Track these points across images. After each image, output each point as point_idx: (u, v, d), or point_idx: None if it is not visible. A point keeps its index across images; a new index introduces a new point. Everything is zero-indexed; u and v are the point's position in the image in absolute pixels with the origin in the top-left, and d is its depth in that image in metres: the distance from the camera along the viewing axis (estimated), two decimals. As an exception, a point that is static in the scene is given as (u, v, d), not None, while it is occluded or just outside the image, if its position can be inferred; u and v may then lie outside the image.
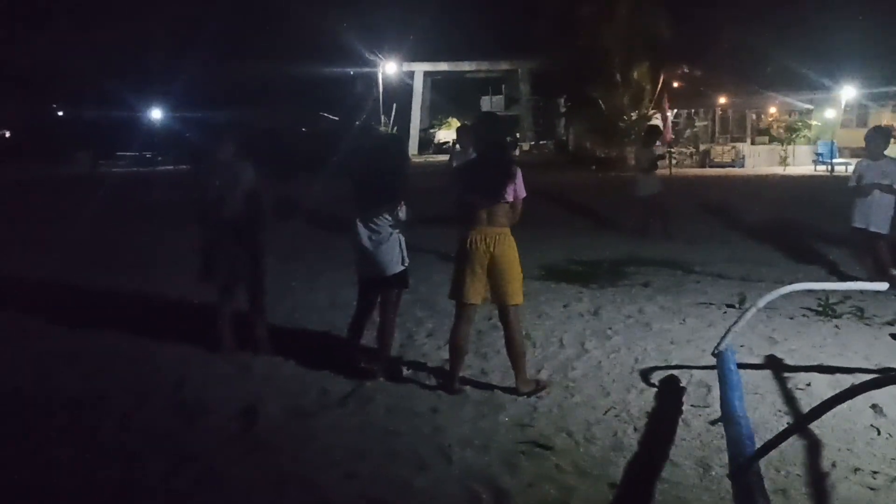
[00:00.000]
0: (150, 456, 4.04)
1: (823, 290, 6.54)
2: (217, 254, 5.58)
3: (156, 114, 38.01)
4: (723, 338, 4.71)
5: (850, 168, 25.14)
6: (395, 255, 5.08)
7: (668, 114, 26.77)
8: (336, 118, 36.47)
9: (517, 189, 4.74)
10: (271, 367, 5.43)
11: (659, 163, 12.02)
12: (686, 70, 31.17)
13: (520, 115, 42.47)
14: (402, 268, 5.14)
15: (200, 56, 32.87)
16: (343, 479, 3.76)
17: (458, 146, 9.39)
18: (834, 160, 26.56)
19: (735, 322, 4.75)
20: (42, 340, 6.18)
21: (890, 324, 6.14)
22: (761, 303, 4.58)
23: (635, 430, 4.29)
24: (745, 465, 2.82)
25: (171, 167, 30.09)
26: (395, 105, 39.22)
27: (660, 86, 29.67)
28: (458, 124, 47.96)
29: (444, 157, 36.05)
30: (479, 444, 4.16)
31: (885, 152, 7.63)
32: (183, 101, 33.82)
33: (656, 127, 15.96)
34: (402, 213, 5.11)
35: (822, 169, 26.92)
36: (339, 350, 5.58)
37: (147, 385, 5.10)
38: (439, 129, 51.11)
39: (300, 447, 4.15)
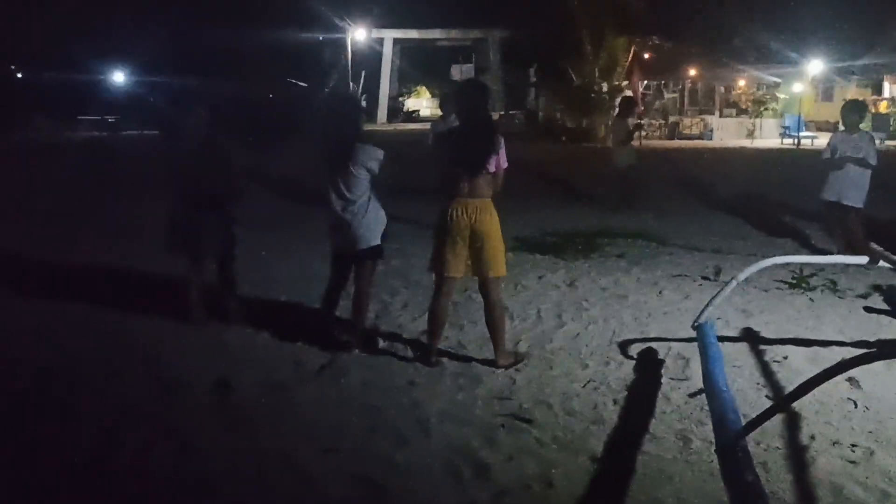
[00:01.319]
0: (124, 431, 3.93)
1: (798, 263, 6.56)
2: (186, 224, 5.43)
3: (119, 77, 37.10)
4: (702, 311, 4.69)
5: (816, 141, 25.56)
6: (371, 227, 4.97)
7: (639, 86, 26.77)
8: (304, 85, 35.93)
9: (500, 159, 4.64)
10: (244, 340, 5.33)
11: (635, 134, 11.98)
12: (656, 42, 31.05)
13: (489, 85, 42.19)
14: (378, 242, 5.04)
15: (166, 19, 32.10)
16: (323, 454, 3.69)
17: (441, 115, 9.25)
18: (800, 133, 26.79)
19: (715, 295, 4.74)
20: (9, 313, 6.00)
21: (863, 297, 6.19)
22: (742, 276, 4.57)
23: (615, 402, 4.27)
24: (732, 441, 2.79)
25: (136, 132, 29.42)
26: (363, 72, 38.72)
27: (631, 57, 29.59)
28: (428, 93, 47.44)
29: (414, 126, 35.82)
30: (458, 418, 4.11)
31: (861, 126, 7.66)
32: (148, 65, 33.05)
33: (632, 98, 15.92)
34: (374, 164, 4.95)
35: (788, 142, 27.16)
36: (313, 322, 5.48)
37: (119, 358, 4.97)
38: (409, 98, 50.69)
39: (277, 421, 4.07)
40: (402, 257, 7.45)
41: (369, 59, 39.51)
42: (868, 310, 5.84)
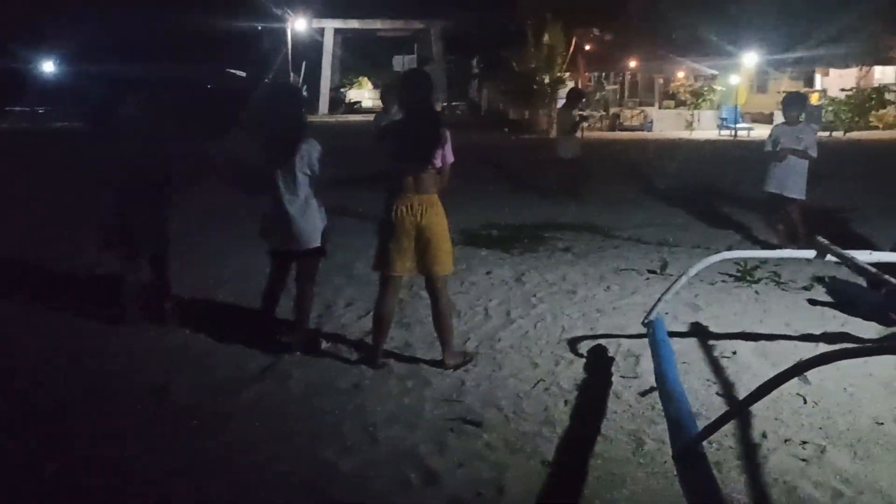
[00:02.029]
0: (52, 440, 3.70)
1: (743, 256, 6.57)
2: (119, 221, 5.17)
3: (48, 67, 35.84)
4: (653, 308, 4.63)
5: (753, 133, 26.06)
6: (313, 224, 4.79)
7: (587, 77, 26.97)
8: (243, 75, 35.24)
9: (446, 154, 4.50)
10: (181, 341, 5.11)
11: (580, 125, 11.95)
12: (597, 34, 31.32)
13: (432, 75, 42.00)
14: (320, 243, 4.86)
15: (99, 7, 31.08)
16: (264, 462, 3.52)
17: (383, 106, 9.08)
18: (737, 125, 27.29)
19: (665, 291, 4.68)
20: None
21: (806, 289, 6.24)
22: (692, 272, 4.52)
23: (566, 403, 4.18)
24: (689, 447, 2.71)
25: (67, 124, 28.46)
26: (304, 63, 38.17)
27: (572, 49, 29.75)
28: (370, 84, 47.07)
29: (356, 118, 35.47)
30: (406, 422, 3.97)
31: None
32: (80, 54, 31.97)
33: (579, 90, 15.94)
34: (316, 158, 4.77)
35: (726, 133, 27.63)
36: (253, 322, 5.28)
37: (47, 362, 4.71)
38: (350, 89, 50.19)
39: (216, 428, 3.88)
40: (346, 252, 7.26)
41: (310, 50, 38.99)
42: (812, 302, 5.87)
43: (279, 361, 4.72)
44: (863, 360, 4.66)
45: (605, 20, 30.56)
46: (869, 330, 5.21)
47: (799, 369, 2.66)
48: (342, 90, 46.50)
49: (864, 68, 33.69)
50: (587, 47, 30.71)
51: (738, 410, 2.67)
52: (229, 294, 6.24)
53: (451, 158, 4.55)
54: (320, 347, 5.00)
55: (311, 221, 4.78)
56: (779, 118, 29.85)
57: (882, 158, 18.03)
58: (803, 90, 33.59)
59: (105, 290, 5.66)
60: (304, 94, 38.22)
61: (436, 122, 4.50)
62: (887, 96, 31.32)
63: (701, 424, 3.21)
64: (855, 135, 25.59)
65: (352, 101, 46.07)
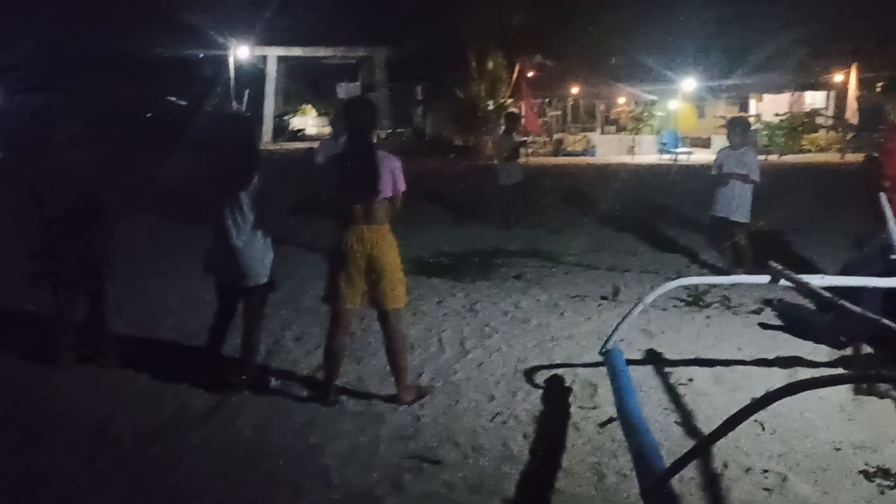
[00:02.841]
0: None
1: (698, 283, 6.57)
2: (52, 253, 4.92)
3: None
4: (610, 336, 4.58)
5: (692, 157, 26.57)
6: (262, 259, 4.63)
7: (530, 103, 27.22)
8: (184, 103, 34.68)
9: (397, 182, 4.40)
10: (121, 381, 4.88)
11: (521, 150, 11.93)
12: (540, 60, 31.69)
13: (376, 102, 41.96)
14: (268, 279, 4.70)
15: (34, 31, 30.27)
16: (213, 511, 3.34)
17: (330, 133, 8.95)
18: (677, 149, 27.81)
19: (622, 320, 4.63)
20: None
21: (755, 312, 6.28)
22: (648, 299, 4.48)
23: (525, 437, 4.09)
24: (658, 484, 2.63)
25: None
26: (247, 91, 37.74)
27: (515, 75, 30.04)
28: (314, 111, 46.74)
29: (300, 145, 35.15)
30: (361, 462, 3.84)
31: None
32: (11, 79, 31.05)
33: (515, 114, 15.98)
34: (263, 191, 4.62)
35: (667, 157, 28.10)
36: (199, 358, 5.07)
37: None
38: (294, 116, 49.79)
39: (160, 473, 3.69)
40: (293, 283, 7.09)
41: (253, 77, 38.57)
42: (763, 326, 5.91)
43: (227, 400, 4.54)
44: (816, 384, 4.68)
45: (547, 47, 30.99)
46: (820, 353, 5.24)
47: (767, 400, 2.61)
48: (286, 117, 46.08)
49: (796, 93, 34.83)
50: (530, 74, 30.99)
51: (708, 443, 2.60)
52: (173, 328, 6.01)
53: (402, 187, 4.45)
54: (270, 384, 4.82)
55: (259, 256, 4.62)
56: (716, 143, 30.67)
57: (817, 180, 18.52)
58: (738, 114, 34.54)
59: (37, 328, 5.39)
60: (287, 125, 37.89)
61: (374, 152, 4.37)
62: (818, 120, 32.40)
63: (663, 455, 3.15)
64: (790, 158, 26.28)
65: (296, 128, 45.67)
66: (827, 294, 3.78)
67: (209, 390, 4.66)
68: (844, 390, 4.54)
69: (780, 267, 4.38)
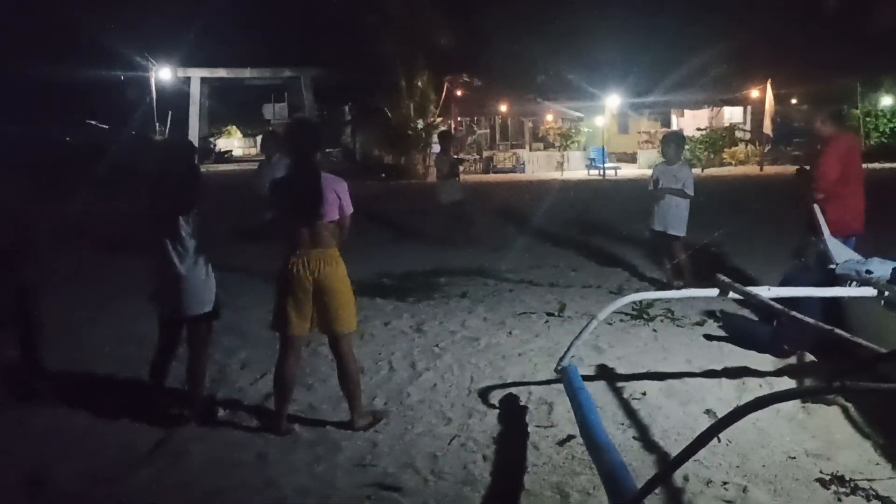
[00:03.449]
0: None
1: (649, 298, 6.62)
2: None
3: None
4: (565, 353, 4.57)
5: (620, 172, 27.13)
6: (205, 287, 4.47)
7: (458, 123, 27.44)
8: (105, 126, 33.73)
9: (344, 204, 4.32)
10: (56, 422, 4.61)
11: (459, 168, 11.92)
12: (467, 80, 31.95)
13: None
14: (212, 308, 4.55)
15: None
16: (165, 557, 3.17)
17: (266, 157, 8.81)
18: (605, 164, 28.34)
19: (576, 337, 4.63)
20: None
21: (699, 324, 6.37)
22: (601, 315, 4.49)
23: (484, 458, 4.03)
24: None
25: None
26: (170, 113, 36.97)
27: (444, 95, 30.23)
28: (240, 133, 46.12)
29: (228, 167, 34.57)
30: (319, 494, 3.72)
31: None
32: None
33: (449, 132, 16.06)
34: (205, 219, 4.49)
35: (594, 173, 28.61)
36: (141, 394, 4.86)
37: None
38: (219, 138, 49.12)
39: (105, 520, 3.49)
40: (236, 310, 6.88)
41: (176, 99, 37.79)
42: (708, 337, 5.99)
43: (172, 436, 4.34)
44: (763, 394, 4.76)
45: (475, 66, 31.28)
46: (765, 363, 5.34)
47: (738, 415, 2.60)
48: (211, 139, 45.40)
49: (715, 109, 36.01)
50: (458, 93, 31.26)
51: (681, 460, 2.58)
52: (111, 363, 5.72)
53: (349, 209, 4.38)
54: (217, 417, 4.64)
55: (202, 283, 4.47)
56: (641, 158, 31.36)
57: (739, 192, 19.12)
58: (661, 130, 35.48)
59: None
60: (213, 147, 37.07)
61: (318, 174, 4.28)
62: (738, 134, 33.54)
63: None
64: (712, 171, 27.07)
65: (222, 150, 45.06)
66: (779, 306, 3.85)
67: (153, 426, 4.46)
68: (793, 400, 4.62)
69: (727, 280, 4.45)
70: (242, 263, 8.42)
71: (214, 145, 44.97)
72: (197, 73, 39.45)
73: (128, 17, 35.08)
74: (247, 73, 40.93)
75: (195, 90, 39.89)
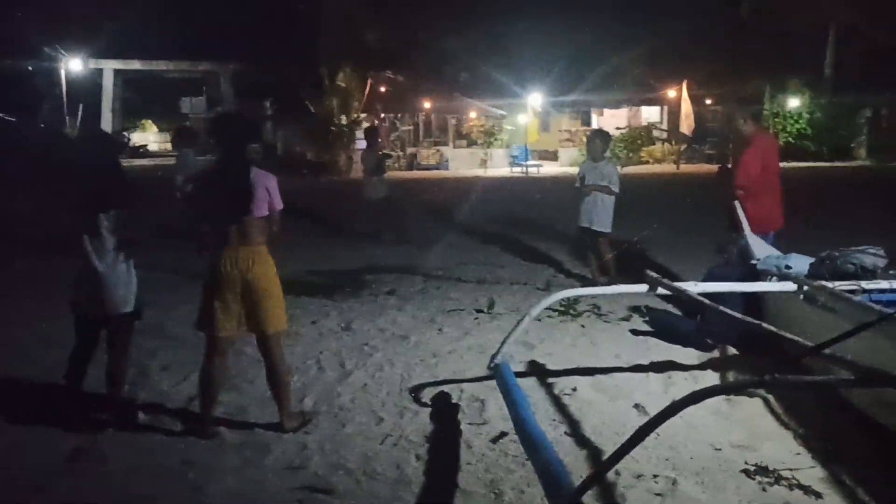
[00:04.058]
0: None
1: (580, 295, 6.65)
2: None
3: None
4: (498, 350, 4.57)
5: (542, 170, 27.47)
6: (127, 285, 4.29)
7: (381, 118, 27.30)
8: (12, 119, 32.27)
9: (273, 200, 4.21)
10: (-34, 430, 4.36)
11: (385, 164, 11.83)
12: (391, 76, 31.83)
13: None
14: (133, 307, 4.37)
15: None
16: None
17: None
18: (528, 162, 28.67)
19: (508, 334, 4.64)
20: None
21: (625, 319, 6.47)
22: (534, 312, 4.51)
23: (417, 458, 3.99)
24: (573, 502, 2.61)
25: None
26: (82, 105, 35.63)
27: (368, 91, 30.01)
28: (155, 127, 44.88)
29: (143, 162, 33.57)
30: (249, 498, 3.61)
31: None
32: None
33: (374, 128, 15.93)
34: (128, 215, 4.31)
35: (517, 170, 28.92)
36: (57, 399, 4.63)
37: None
38: (134, 132, 47.59)
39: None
40: (155, 310, 6.62)
41: (88, 91, 36.44)
42: (634, 332, 6.09)
43: (92, 443, 4.15)
44: (690, 387, 4.87)
45: (398, 63, 31.17)
46: (690, 356, 5.45)
47: (673, 410, 2.64)
48: (125, 133, 43.92)
49: (633, 108, 36.86)
50: (382, 89, 31.10)
51: (619, 455, 2.60)
52: (26, 367, 5.43)
53: (279, 205, 4.27)
54: (138, 421, 4.46)
55: (123, 282, 4.28)
56: (563, 156, 31.81)
57: (659, 190, 19.61)
58: (582, 129, 36.12)
59: None
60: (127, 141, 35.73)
61: (248, 169, 4.16)
62: (655, 133, 34.40)
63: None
64: (631, 169, 27.63)
65: (136, 144, 43.66)
66: (707, 301, 3.92)
67: (71, 432, 4.26)
68: (716, 391, 4.73)
69: (655, 276, 4.52)
70: (163, 260, 8.14)
71: (128, 139, 43.44)
72: (110, 65, 38.12)
73: (36, 4, 33.68)
74: (163, 65, 39.76)
75: (108, 82, 38.55)
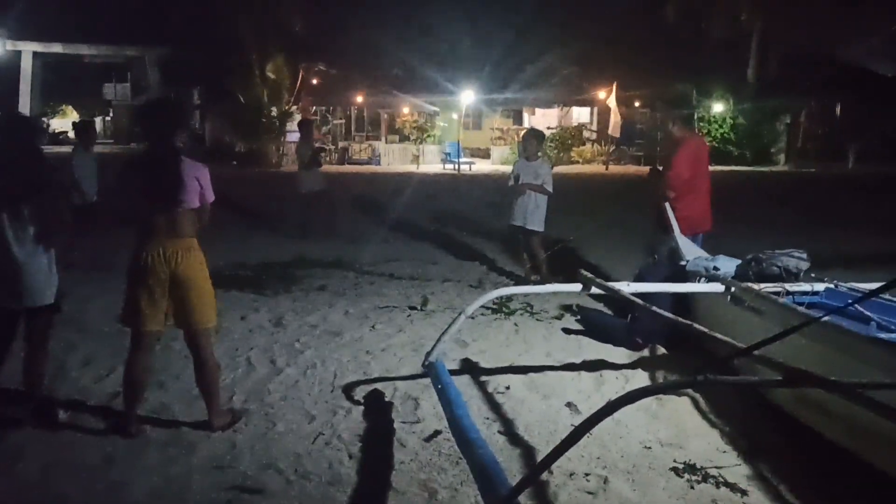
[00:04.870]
0: None
1: (513, 293, 6.67)
2: None
3: None
4: (433, 349, 4.53)
5: (474, 167, 27.59)
6: (48, 278, 4.11)
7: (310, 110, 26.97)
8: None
9: (205, 191, 4.09)
10: None
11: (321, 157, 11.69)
12: (323, 68, 31.50)
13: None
14: (53, 299, 4.19)
15: None
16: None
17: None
18: (460, 159, 28.74)
19: (443, 332, 4.61)
20: None
21: (557, 318, 6.52)
22: (469, 310, 4.50)
23: (350, 457, 3.93)
24: (509, 501, 2.60)
25: None
26: (-4, 88, 34.19)
27: (299, 82, 29.64)
28: (76, 113, 43.42)
29: (63, 149, 32.41)
30: (174, 497, 3.50)
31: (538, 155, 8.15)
32: None
33: (309, 121, 15.74)
34: (52, 202, 4.13)
35: (450, 167, 28.96)
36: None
37: None
38: (53, 118, 45.95)
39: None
40: (75, 302, 6.36)
41: (4, 74, 34.97)
42: (566, 331, 6.14)
43: (6, 440, 3.97)
44: (621, 386, 4.94)
45: (330, 55, 30.87)
46: (621, 355, 5.53)
47: (608, 410, 2.65)
48: (44, 119, 42.33)
49: (564, 108, 37.35)
50: (314, 81, 30.76)
51: (556, 455, 2.59)
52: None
53: (210, 196, 4.16)
54: (58, 417, 4.27)
55: (43, 273, 4.09)
56: (495, 153, 32.00)
57: (588, 189, 19.92)
58: (513, 127, 36.43)
59: None
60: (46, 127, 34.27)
61: (178, 158, 4.03)
62: (585, 134, 34.93)
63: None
64: (561, 169, 27.94)
65: (56, 131, 42.12)
66: (640, 301, 3.97)
67: (-17, 429, 4.06)
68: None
69: (589, 276, 4.56)
70: (85, 249, 7.83)
71: (48, 125, 41.90)
72: (29, 47, 36.62)
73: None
74: (85, 49, 38.42)
75: (27, 65, 37.05)
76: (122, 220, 4.24)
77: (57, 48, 37.71)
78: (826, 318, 3.54)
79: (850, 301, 4.29)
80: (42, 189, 4.10)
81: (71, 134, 41.84)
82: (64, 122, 46.85)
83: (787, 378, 2.63)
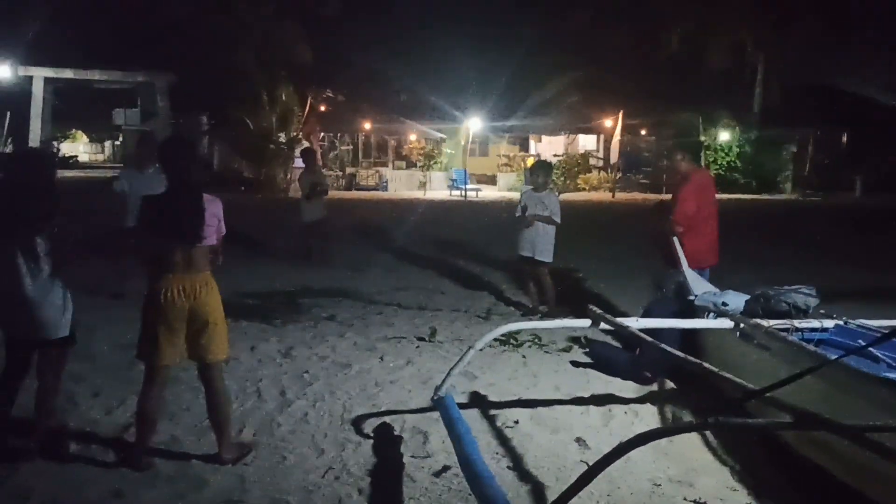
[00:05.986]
0: None
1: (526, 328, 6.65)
2: None
3: None
4: (442, 383, 4.55)
5: (480, 194, 27.69)
6: (63, 309, 4.15)
7: (318, 137, 27.14)
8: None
9: (220, 224, 4.15)
10: None
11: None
12: (331, 94, 31.74)
13: (157, 132, 39.85)
14: (68, 332, 4.22)
15: None
16: None
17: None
18: (466, 186, 28.84)
19: (453, 367, 4.62)
20: None
21: (566, 350, 6.51)
22: (478, 345, 4.51)
23: (359, 492, 3.93)
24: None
25: None
26: (8, 113, 34.47)
27: (307, 109, 29.85)
28: (86, 137, 43.69)
29: (73, 174, 32.63)
30: (183, 533, 3.50)
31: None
32: None
33: (311, 150, 15.87)
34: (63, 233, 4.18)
35: (456, 194, 29.06)
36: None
37: None
38: (63, 142, 46.35)
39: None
40: (83, 331, 6.39)
41: (16, 99, 35.28)
42: (574, 364, 6.14)
43: (16, 473, 3.97)
44: (630, 421, 4.94)
45: (338, 82, 31.12)
46: (629, 389, 5.52)
47: (621, 451, 2.67)
48: (54, 143, 42.71)
49: (570, 136, 37.55)
50: (322, 108, 30.97)
51: (567, 498, 2.61)
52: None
53: (223, 231, 4.22)
54: (68, 451, 4.29)
55: (58, 305, 4.13)
56: (501, 180, 32.12)
57: (595, 217, 19.94)
58: (520, 154, 36.61)
59: None
60: (8, 147, 34.48)
61: (201, 196, 4.09)
62: (591, 161, 35.07)
63: None
64: (568, 196, 28.04)
65: (66, 155, 42.50)
66: (648, 338, 3.98)
67: (-6, 462, 4.07)
68: (652, 425, 4.81)
69: (599, 311, 4.57)
70: (87, 277, 7.88)
71: (58, 150, 42.25)
72: (41, 73, 37.02)
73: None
74: (96, 74, 38.74)
75: (37, 91, 37.41)
76: (141, 255, 4.28)
77: (68, 73, 38.05)
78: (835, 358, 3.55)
79: (865, 343, 4.25)
80: (56, 223, 4.15)
81: (81, 157, 42.09)
82: (74, 146, 47.27)
83: (798, 421, 2.65)
